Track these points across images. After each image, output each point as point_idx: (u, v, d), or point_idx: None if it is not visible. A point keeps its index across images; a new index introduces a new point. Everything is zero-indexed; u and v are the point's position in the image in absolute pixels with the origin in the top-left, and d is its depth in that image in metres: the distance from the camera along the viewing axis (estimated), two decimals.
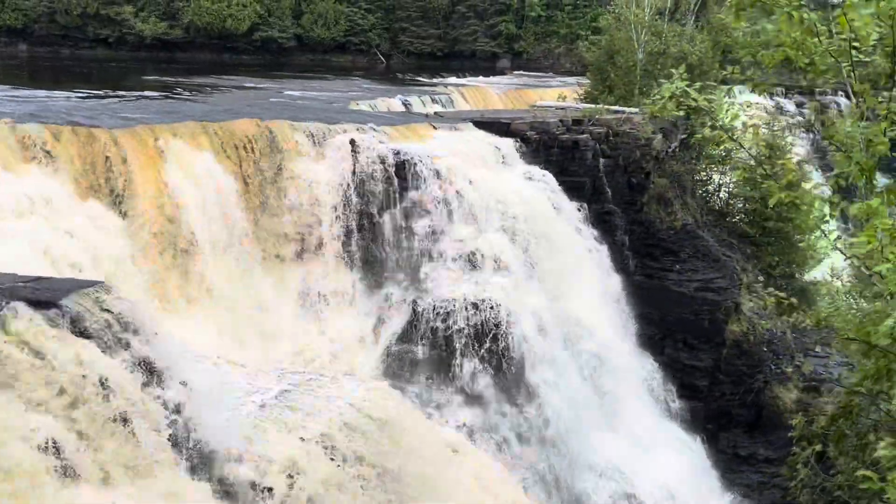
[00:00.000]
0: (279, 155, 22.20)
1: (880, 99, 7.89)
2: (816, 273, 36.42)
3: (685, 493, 23.60)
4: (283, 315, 21.60)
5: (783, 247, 33.20)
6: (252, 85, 37.56)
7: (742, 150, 34.80)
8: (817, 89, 57.14)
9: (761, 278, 31.58)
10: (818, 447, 12.59)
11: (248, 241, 21.48)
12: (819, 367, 30.35)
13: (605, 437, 23.12)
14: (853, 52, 7.88)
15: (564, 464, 21.64)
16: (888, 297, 7.41)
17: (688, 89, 9.18)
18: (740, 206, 34.42)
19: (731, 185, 34.52)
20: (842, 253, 10.34)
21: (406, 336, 21.77)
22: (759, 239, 32.93)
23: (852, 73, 8.04)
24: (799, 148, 47.08)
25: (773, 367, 28.39)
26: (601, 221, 26.88)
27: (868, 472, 8.37)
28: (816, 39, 8.11)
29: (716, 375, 27.84)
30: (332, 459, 14.07)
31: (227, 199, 20.80)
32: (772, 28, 8.41)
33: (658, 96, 9.03)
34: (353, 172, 22.75)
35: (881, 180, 9.96)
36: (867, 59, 8.11)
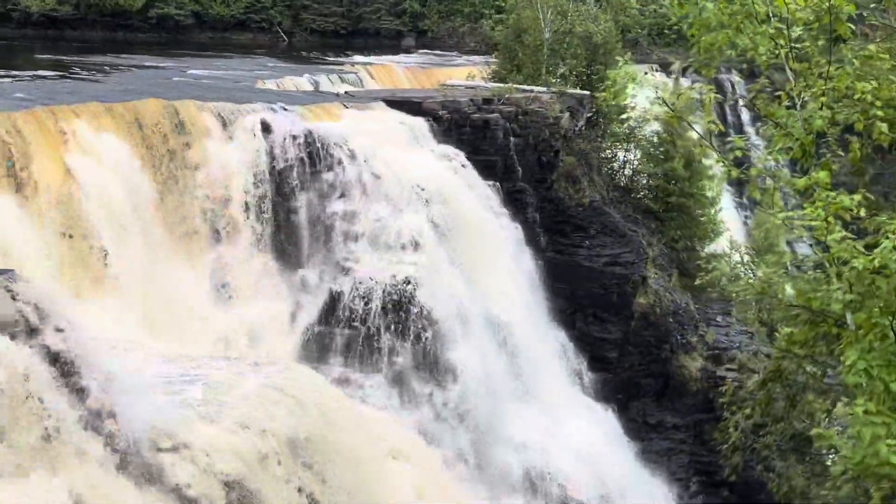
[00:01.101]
0: (187, 136, 21.65)
1: (817, 77, 8.28)
2: (716, 246, 37.87)
3: (599, 461, 24.33)
4: (196, 300, 21.14)
5: (685, 221, 34.39)
6: (152, 64, 36.35)
7: (642, 128, 35.90)
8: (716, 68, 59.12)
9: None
10: (748, 411, 13.19)
11: (156, 226, 20.89)
12: (721, 336, 31.73)
13: (521, 410, 23.60)
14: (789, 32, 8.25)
15: (482, 438, 22.00)
16: (834, 265, 7.78)
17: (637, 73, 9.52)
18: (644, 182, 35.43)
19: (636, 162, 35.49)
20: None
21: (324, 318, 21.66)
22: (663, 214, 34.02)
23: (789, 54, 8.41)
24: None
25: (678, 337, 29.49)
26: (513, 200, 27.26)
27: (823, 430, 8.86)
28: (755, 21, 8.45)
29: (625, 347, 28.71)
30: (254, 443, 13.96)
31: (134, 182, 20.16)
32: (711, 8, 8.70)
33: (610, 82, 9.28)
34: (265, 153, 22.41)
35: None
36: (800, 46, 8.48)
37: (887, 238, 6.68)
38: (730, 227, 40.97)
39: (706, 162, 36.30)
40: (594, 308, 28.29)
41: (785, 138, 8.09)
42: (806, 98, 8.20)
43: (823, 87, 8.14)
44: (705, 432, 29.31)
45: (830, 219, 7.36)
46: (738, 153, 8.40)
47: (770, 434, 13.13)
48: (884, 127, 8.11)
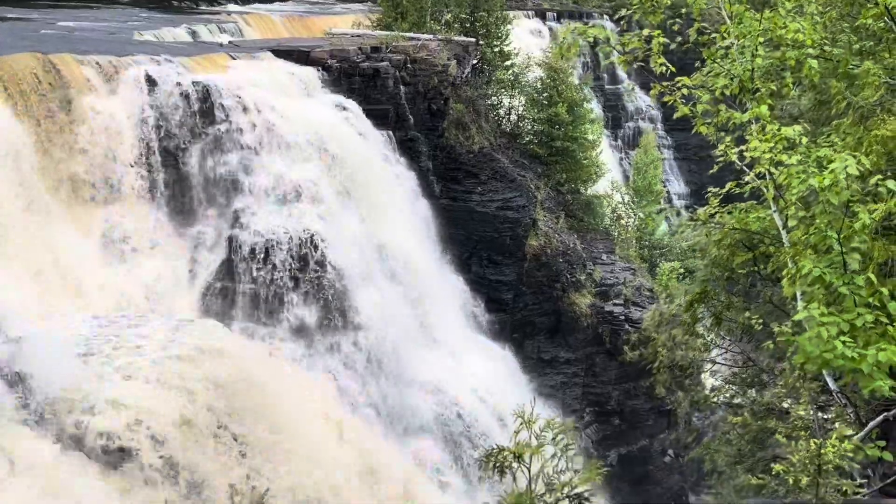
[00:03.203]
0: (67, 91, 20.70)
1: (755, 18, 8.84)
2: (598, 187, 39.32)
3: (499, 397, 25.25)
4: (88, 261, 20.48)
5: (569, 164, 35.49)
6: (15, 16, 34.13)
7: (525, 75, 36.63)
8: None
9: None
10: (675, 331, 14.15)
11: (41, 186, 20.05)
12: (606, 273, 33.21)
13: (425, 353, 24.18)
14: None
15: (390, 383, 22.47)
16: (771, 190, 8.46)
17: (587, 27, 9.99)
18: (529, 128, 36.25)
19: (521, 108, 36.23)
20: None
21: (224, 273, 21.41)
22: (549, 158, 34.98)
23: None
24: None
25: (568, 276, 30.67)
26: (406, 148, 27.46)
27: (783, 328, 9.71)
28: None
29: (519, 288, 29.66)
30: (173, 399, 13.91)
31: (14, 141, 19.21)
32: None
33: (562, 38, 9.72)
34: (151, 107, 21.71)
35: None
36: None
37: (836, 161, 7.34)
38: (610, 168, 42.60)
39: (587, 106, 37.52)
40: (489, 252, 29.02)
41: (722, 77, 8.67)
42: (742, 41, 8.79)
43: (759, 28, 8.75)
44: (596, 365, 30.84)
45: (778, 147, 8.00)
46: (686, 91, 8.96)
47: (692, 350, 14.16)
48: (814, 63, 8.81)
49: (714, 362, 15.48)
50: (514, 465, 3.61)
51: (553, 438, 3.55)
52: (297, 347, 20.79)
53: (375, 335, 22.21)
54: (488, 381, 25.74)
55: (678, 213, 55.30)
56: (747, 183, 8.85)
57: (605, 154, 46.46)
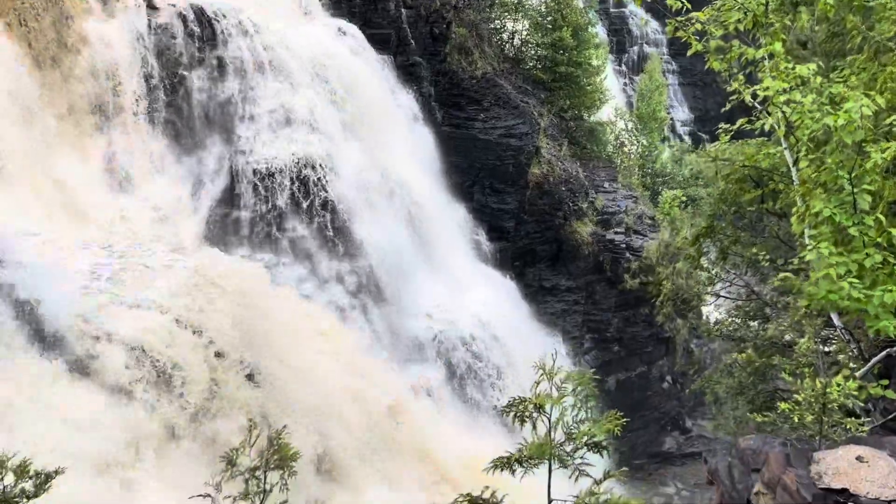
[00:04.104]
0: (65, 16, 20.33)
1: None
2: (601, 114, 38.93)
3: (502, 325, 25.50)
4: (91, 187, 20.44)
5: (573, 90, 35.02)
6: None
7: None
8: None
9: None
10: (679, 264, 14.22)
11: (40, 113, 19.85)
12: (608, 202, 33.15)
13: (428, 281, 24.31)
14: None
15: (392, 309, 22.67)
16: (782, 128, 8.38)
17: None
18: (532, 53, 35.64)
19: (524, 33, 35.56)
20: None
21: (226, 200, 21.39)
22: (552, 84, 34.49)
23: None
24: None
25: (570, 204, 30.62)
26: (407, 73, 27.08)
27: (788, 274, 9.77)
28: None
29: (521, 216, 29.64)
30: (179, 326, 14.06)
31: (12, 67, 18.96)
32: None
33: None
34: (150, 30, 21.34)
35: None
36: None
37: (851, 99, 7.26)
38: (614, 94, 42.09)
39: (592, 30, 36.82)
40: (491, 180, 28.90)
41: (736, 11, 8.49)
42: None
43: None
44: (596, 293, 31.04)
45: (793, 84, 7.88)
46: (699, 26, 8.77)
47: (699, 283, 14.24)
48: None
49: (718, 295, 15.58)
50: (535, 414, 3.68)
51: (573, 390, 3.61)
52: (300, 276, 20.88)
53: (377, 261, 22.30)
54: (490, 309, 25.93)
55: (681, 139, 54.88)
56: (758, 119, 8.76)
57: (610, 80, 45.86)
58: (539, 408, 3.71)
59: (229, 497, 6.07)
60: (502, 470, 3.67)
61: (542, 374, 3.72)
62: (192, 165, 21.80)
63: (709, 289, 15.21)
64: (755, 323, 13.57)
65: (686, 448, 31.49)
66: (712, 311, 17.93)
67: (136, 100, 21.32)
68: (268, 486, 6.12)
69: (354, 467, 16.30)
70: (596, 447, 3.71)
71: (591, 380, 3.69)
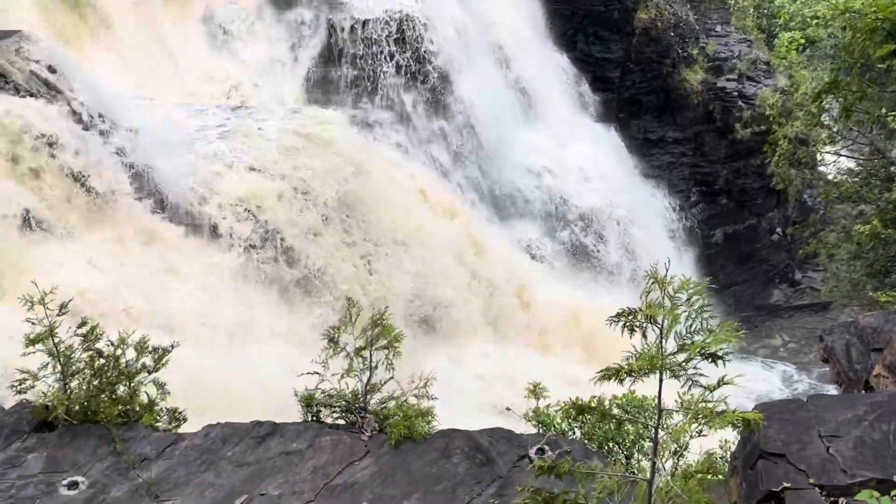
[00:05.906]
0: None
1: None
2: None
3: (603, 178, 25.03)
4: (191, 46, 20.63)
5: None
6: None
7: None
8: None
9: None
10: (797, 123, 13.44)
11: None
12: (720, 47, 31.34)
13: (529, 135, 23.88)
14: None
15: (494, 165, 22.48)
16: None
17: None
18: None
19: None
20: None
21: (325, 57, 21.24)
22: None
23: None
24: None
25: (679, 51, 29.09)
26: None
27: None
28: None
29: (626, 65, 28.42)
30: (285, 183, 14.32)
31: None
32: None
33: None
34: None
35: None
36: None
37: None
38: None
39: None
40: (595, 27, 27.62)
41: None
42: None
43: None
44: (705, 144, 29.91)
45: None
46: None
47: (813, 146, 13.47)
48: None
49: (839, 154, 14.63)
50: (646, 325, 3.55)
51: (688, 300, 3.44)
52: (400, 132, 20.82)
53: (478, 118, 21.98)
54: (594, 161, 25.40)
55: None
56: None
57: None
58: (651, 319, 3.56)
59: (336, 374, 6.29)
60: (610, 380, 3.58)
61: (652, 283, 3.55)
62: (290, 22, 21.61)
63: (828, 148, 14.29)
64: (877, 180, 12.74)
65: (794, 300, 30.86)
66: (830, 173, 16.82)
67: None
68: (373, 364, 6.29)
69: (459, 323, 16.69)
70: (711, 357, 3.55)
71: (705, 288, 3.50)
